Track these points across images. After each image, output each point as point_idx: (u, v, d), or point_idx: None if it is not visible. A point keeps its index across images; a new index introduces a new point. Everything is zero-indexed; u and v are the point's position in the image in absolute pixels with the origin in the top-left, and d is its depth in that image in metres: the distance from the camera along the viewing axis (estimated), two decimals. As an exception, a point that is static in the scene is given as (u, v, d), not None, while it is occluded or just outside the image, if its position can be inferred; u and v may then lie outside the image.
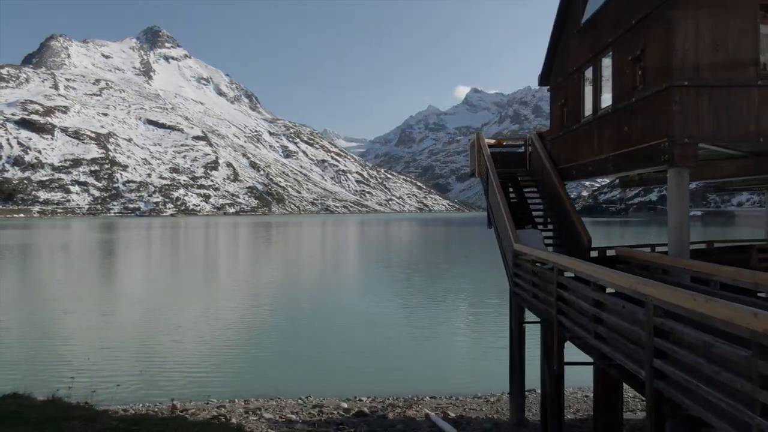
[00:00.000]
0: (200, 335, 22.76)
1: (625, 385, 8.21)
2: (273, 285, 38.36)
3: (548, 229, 12.55)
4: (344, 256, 65.66)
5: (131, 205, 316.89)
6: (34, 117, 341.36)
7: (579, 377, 14.23)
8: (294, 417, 14.39)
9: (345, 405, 15.83)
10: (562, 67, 11.84)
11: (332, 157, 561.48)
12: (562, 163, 11.88)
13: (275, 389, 16.73)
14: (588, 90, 10.54)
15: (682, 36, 7.18)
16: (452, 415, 14.77)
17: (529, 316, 12.54)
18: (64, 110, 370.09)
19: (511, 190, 13.44)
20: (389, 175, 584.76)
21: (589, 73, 10.44)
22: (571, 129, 11.19)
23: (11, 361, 18.89)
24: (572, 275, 7.27)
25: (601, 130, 9.71)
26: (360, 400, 16.60)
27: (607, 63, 9.61)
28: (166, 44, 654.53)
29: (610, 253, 9.95)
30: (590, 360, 7.96)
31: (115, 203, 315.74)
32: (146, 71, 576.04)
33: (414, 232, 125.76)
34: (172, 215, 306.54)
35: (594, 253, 9.99)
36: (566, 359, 9.04)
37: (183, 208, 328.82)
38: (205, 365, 18.77)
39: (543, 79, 12.73)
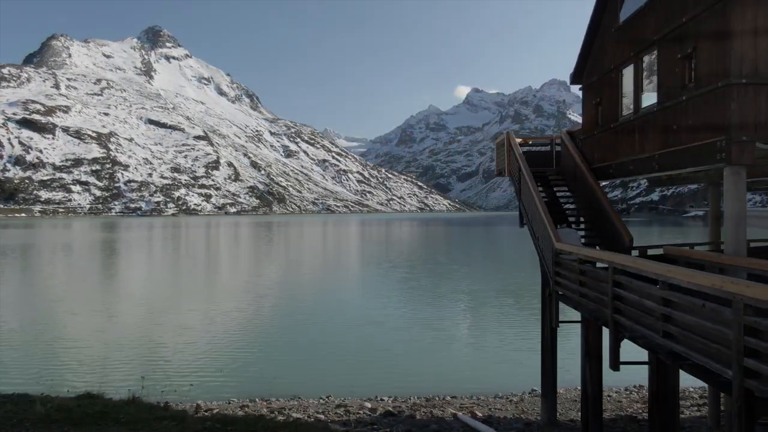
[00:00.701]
0: (212, 336, 22.70)
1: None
2: (283, 285, 38.34)
3: (581, 228, 12.51)
4: (353, 256, 65.57)
5: (132, 205, 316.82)
6: (36, 117, 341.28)
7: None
8: (323, 417, 14.34)
9: (369, 405, 15.78)
10: (596, 66, 11.79)
11: (333, 157, 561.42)
12: (596, 162, 11.83)
13: (293, 389, 16.73)
14: (627, 88, 10.50)
15: (739, 34, 7.14)
16: (480, 414, 14.73)
17: (565, 314, 12.53)
18: (66, 110, 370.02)
19: (540, 189, 13.39)
20: (390, 175, 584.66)
21: (628, 72, 10.39)
22: (608, 128, 11.14)
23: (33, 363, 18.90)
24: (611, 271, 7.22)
25: (643, 128, 9.67)
26: (381, 399, 16.57)
27: (650, 61, 9.56)
28: (167, 44, 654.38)
29: (653, 252, 9.89)
30: (645, 360, 7.95)
31: (116, 203, 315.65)
32: (147, 71, 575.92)
33: (420, 232, 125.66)
34: (173, 215, 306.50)
35: (634, 253, 9.93)
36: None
37: (184, 207, 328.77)
38: (219, 365, 18.70)
39: (575, 78, 12.67)
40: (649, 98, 9.70)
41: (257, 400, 16.22)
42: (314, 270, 48.66)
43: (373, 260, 55.63)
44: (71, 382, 16.41)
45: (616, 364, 7.25)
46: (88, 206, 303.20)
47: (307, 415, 14.64)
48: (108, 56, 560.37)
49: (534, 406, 15.72)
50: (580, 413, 14.45)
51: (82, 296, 33.00)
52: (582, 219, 12.51)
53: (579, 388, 16.42)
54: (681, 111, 8.37)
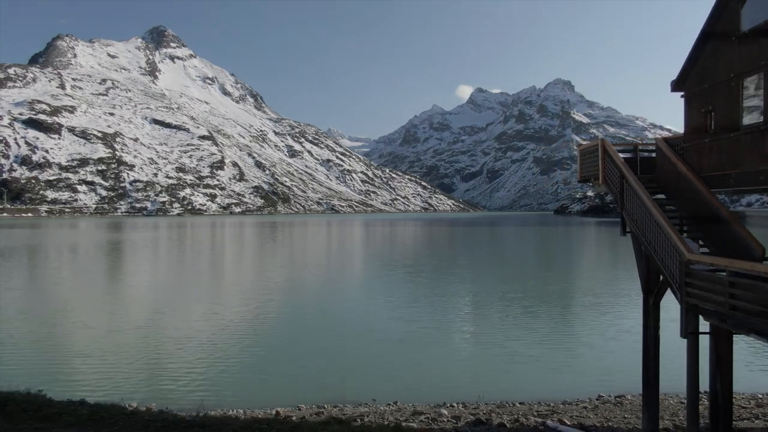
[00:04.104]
0: (260, 342, 22.48)
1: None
2: (327, 289, 38.18)
3: (684, 237, 12.39)
4: (380, 258, 65.33)
5: (138, 205, 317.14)
6: (42, 117, 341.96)
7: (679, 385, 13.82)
8: (414, 426, 14.24)
9: (446, 412, 15.67)
10: (707, 74, 11.69)
11: (337, 157, 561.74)
12: (706, 171, 11.73)
13: (355, 394, 16.65)
14: (750, 97, 10.40)
15: None
16: (568, 423, 14.63)
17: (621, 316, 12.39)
18: (71, 110, 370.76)
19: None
20: (394, 175, 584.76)
21: (751, 81, 10.29)
22: (726, 136, 11.05)
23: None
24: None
25: (778, 139, 9.58)
26: (452, 406, 16.49)
27: (785, 71, 9.47)
28: (172, 44, 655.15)
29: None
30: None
31: (122, 203, 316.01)
32: (152, 71, 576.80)
33: (433, 234, 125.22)
34: (178, 215, 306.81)
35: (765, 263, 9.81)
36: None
37: (189, 207, 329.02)
38: (270, 372, 18.53)
39: (678, 86, 12.57)
40: (780, 108, 9.62)
41: (326, 406, 16.13)
42: (352, 274, 48.49)
43: (401, 262, 55.46)
44: (150, 391, 16.38)
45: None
46: (94, 206, 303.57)
47: (393, 423, 14.53)
48: (113, 56, 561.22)
49: (613, 414, 15.64)
50: (669, 421, 14.29)
51: (115, 301, 32.97)
52: (685, 228, 12.39)
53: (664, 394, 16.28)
54: (836, 123, 8.28)
